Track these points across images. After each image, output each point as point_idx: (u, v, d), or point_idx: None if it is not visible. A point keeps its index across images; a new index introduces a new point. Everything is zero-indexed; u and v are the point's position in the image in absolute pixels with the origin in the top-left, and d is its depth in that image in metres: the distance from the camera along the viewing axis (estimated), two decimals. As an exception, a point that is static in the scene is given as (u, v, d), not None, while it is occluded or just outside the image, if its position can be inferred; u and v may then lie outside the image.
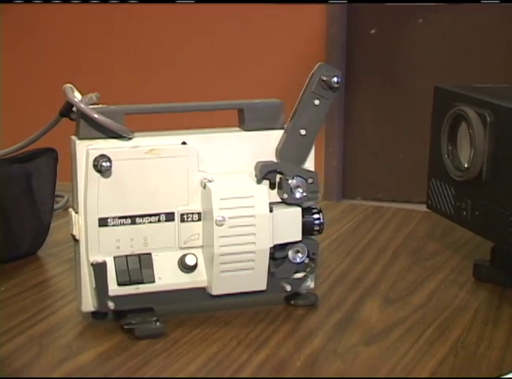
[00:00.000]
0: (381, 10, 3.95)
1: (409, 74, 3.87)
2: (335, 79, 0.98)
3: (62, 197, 1.37)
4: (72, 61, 4.18)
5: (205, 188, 0.96)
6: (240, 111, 1.00)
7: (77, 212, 0.95)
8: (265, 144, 0.99)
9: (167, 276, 0.96)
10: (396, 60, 3.95)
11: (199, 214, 0.97)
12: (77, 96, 0.95)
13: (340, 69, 3.90)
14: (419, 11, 3.89)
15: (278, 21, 3.99)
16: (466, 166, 1.02)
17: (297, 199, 0.99)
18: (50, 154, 1.20)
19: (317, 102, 0.99)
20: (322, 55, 3.94)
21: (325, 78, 0.99)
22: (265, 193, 0.97)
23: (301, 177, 0.99)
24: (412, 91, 3.76)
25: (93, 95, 0.97)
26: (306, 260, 1.01)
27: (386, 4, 3.92)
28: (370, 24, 3.98)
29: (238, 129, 1.00)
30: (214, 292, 0.97)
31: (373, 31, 4.01)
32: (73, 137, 0.95)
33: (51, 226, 1.23)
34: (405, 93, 3.82)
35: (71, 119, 0.97)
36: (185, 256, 0.97)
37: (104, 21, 4.18)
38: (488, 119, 0.99)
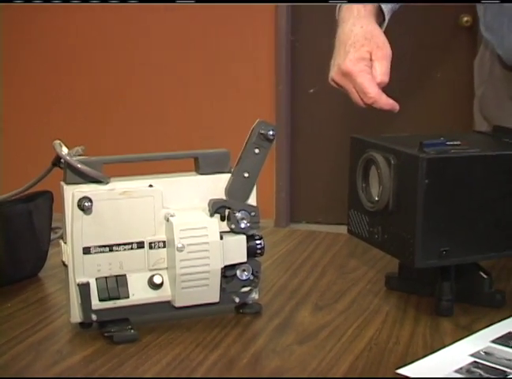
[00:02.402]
0: (318, 72, 3.97)
1: (341, 126, 3.89)
2: (270, 132, 0.98)
3: (59, 228, 1.35)
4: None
5: (168, 221, 0.95)
6: (196, 159, 0.99)
7: (65, 243, 0.95)
8: (216, 185, 0.99)
9: (139, 293, 0.95)
10: (331, 114, 3.98)
11: (164, 242, 0.96)
12: (64, 150, 0.94)
13: (286, 119, 3.96)
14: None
15: (233, 81, 3.99)
16: (376, 199, 1.02)
17: (242, 228, 0.98)
18: (47, 195, 1.19)
19: (257, 150, 0.99)
20: (272, 110, 3.95)
21: (262, 132, 0.98)
22: (216, 225, 0.96)
23: (245, 211, 0.98)
24: (340, 140, 3.77)
25: (79, 148, 0.96)
26: (251, 277, 1.00)
27: (323, 68, 3.95)
28: (310, 84, 4.00)
29: (194, 173, 1.00)
30: (177, 304, 0.96)
31: (312, 91, 4.03)
32: (62, 183, 0.94)
33: (50, 252, 1.21)
34: (337, 142, 3.81)
35: (60, 168, 0.96)
36: (153, 276, 0.96)
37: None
38: (392, 162, 0.99)
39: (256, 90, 3.99)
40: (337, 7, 1.19)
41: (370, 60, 1.08)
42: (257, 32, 3.95)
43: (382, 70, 1.07)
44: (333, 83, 1.15)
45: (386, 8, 1.14)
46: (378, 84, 1.07)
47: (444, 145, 0.99)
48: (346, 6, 1.13)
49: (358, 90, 1.09)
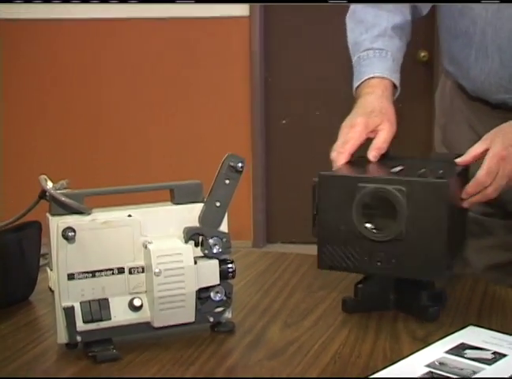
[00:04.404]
0: (289, 105, 4.00)
1: (311, 152, 3.90)
2: (239, 165, 0.99)
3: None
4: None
5: (146, 248, 0.95)
6: (171, 190, 1.00)
7: (51, 270, 0.95)
8: (190, 213, 0.99)
9: (120, 315, 0.96)
10: (302, 142, 4.00)
11: (143, 267, 0.96)
12: (49, 184, 0.94)
13: (261, 146, 3.97)
14: (316, 105, 3.96)
15: (211, 114, 4.00)
16: (389, 228, 1.02)
17: (215, 253, 0.99)
18: (36, 225, 1.18)
19: (227, 181, 1.00)
20: (248, 138, 3.97)
21: (232, 164, 0.99)
22: (190, 251, 0.97)
23: (218, 237, 0.99)
24: (310, 165, 3.79)
25: (64, 182, 0.97)
26: (224, 298, 1.00)
27: (293, 101, 3.98)
28: (282, 115, 4.03)
29: (170, 203, 1.00)
30: (156, 325, 0.96)
31: (284, 122, 4.06)
32: (48, 214, 0.94)
33: (40, 277, 1.20)
34: (307, 167, 3.83)
35: (46, 200, 0.96)
36: (133, 299, 0.96)
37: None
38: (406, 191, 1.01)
39: (233, 122, 4.01)
40: (359, 82, 1.31)
41: (375, 129, 1.22)
42: (233, 69, 3.98)
43: (379, 139, 1.21)
44: None
45: (398, 80, 1.32)
46: (377, 149, 1.20)
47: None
48: (369, 84, 1.29)
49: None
